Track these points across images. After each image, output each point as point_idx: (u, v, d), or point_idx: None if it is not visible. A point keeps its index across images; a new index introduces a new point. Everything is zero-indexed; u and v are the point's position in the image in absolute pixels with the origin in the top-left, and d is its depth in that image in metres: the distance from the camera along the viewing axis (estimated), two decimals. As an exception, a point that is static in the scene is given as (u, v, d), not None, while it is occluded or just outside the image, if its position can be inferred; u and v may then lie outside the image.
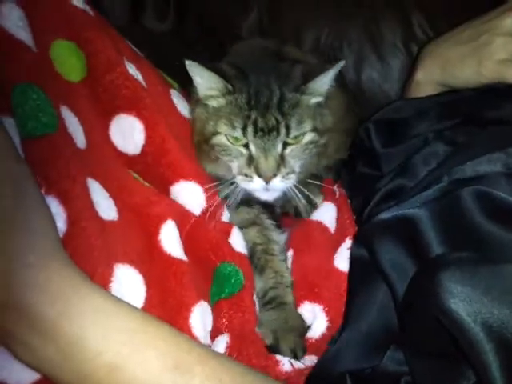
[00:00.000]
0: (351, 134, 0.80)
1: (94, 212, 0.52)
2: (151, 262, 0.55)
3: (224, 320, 0.59)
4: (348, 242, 0.67)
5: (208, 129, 0.70)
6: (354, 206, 0.73)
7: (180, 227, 0.60)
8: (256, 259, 0.68)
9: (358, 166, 0.76)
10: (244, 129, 0.67)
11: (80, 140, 0.57)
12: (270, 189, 0.69)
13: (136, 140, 0.63)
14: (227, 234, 0.67)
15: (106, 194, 0.55)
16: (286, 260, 0.70)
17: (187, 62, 0.67)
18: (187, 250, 0.59)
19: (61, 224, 0.48)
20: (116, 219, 0.54)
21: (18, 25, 0.55)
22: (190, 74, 0.69)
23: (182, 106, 0.74)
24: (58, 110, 0.55)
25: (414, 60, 0.84)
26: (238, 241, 0.68)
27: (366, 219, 0.65)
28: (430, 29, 1.06)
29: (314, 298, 0.64)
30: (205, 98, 0.71)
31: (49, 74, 0.58)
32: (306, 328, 0.64)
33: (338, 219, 0.73)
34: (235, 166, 0.70)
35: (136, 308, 0.48)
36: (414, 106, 0.72)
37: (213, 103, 0.70)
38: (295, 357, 0.61)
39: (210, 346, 0.57)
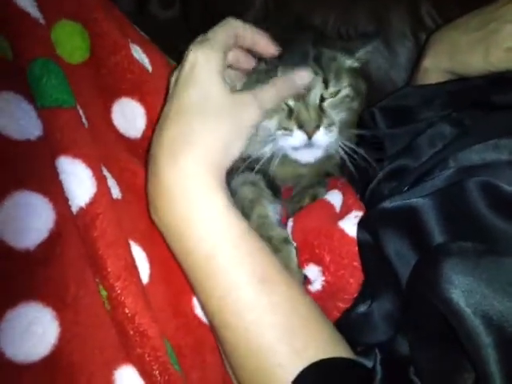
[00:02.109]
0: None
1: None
2: (155, 240, 0.54)
3: None
4: (354, 212, 0.62)
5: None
6: (356, 189, 0.71)
7: None
8: (243, 211, 0.64)
9: (361, 148, 0.71)
10: None
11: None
12: (313, 144, 0.65)
13: (137, 124, 0.62)
14: None
15: (109, 175, 0.54)
16: (280, 223, 0.67)
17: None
18: None
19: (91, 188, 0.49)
20: (120, 197, 0.54)
21: (32, 4, 0.55)
22: None
23: None
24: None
25: (422, 47, 0.82)
26: None
27: (368, 199, 0.63)
28: (439, 17, 1.03)
29: (317, 260, 0.61)
30: None
31: (54, 55, 0.57)
32: None
33: (342, 202, 0.69)
34: (274, 121, 0.66)
35: (250, 228, 0.52)
36: (421, 94, 0.70)
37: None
38: None
39: None
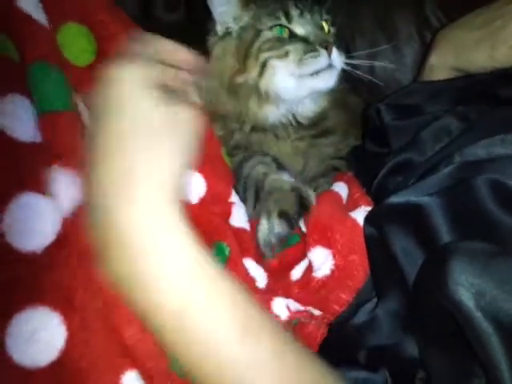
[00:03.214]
0: (355, 121, 0.81)
1: None
2: None
3: None
4: (364, 207, 0.62)
5: (246, 41, 0.71)
6: (362, 183, 0.69)
7: None
8: (259, 184, 0.66)
9: (366, 143, 0.73)
10: (286, 15, 0.69)
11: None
12: (332, 64, 0.69)
13: None
14: (227, 215, 0.65)
15: None
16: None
17: None
18: None
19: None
20: None
21: (34, 5, 0.54)
22: (209, 3, 0.73)
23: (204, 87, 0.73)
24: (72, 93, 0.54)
25: (427, 46, 0.82)
26: (238, 217, 0.65)
27: (374, 193, 0.62)
28: (445, 17, 1.02)
29: (327, 242, 0.59)
30: (232, 22, 0.74)
31: (59, 57, 0.56)
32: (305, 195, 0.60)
33: (348, 196, 0.68)
34: (295, 52, 0.69)
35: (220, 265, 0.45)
36: (427, 89, 0.69)
37: (242, 22, 0.73)
38: (288, 220, 0.57)
39: None
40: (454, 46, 0.73)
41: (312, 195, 0.63)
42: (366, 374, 0.50)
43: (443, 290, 0.38)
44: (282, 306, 0.55)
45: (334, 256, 0.58)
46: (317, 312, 0.57)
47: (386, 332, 0.52)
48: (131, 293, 0.43)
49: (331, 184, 0.72)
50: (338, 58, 0.70)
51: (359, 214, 0.60)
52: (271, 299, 0.55)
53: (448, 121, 0.59)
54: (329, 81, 0.71)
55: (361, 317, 0.54)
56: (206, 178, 0.64)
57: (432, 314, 0.43)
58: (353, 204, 0.64)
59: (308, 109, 0.77)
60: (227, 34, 0.76)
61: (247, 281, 0.60)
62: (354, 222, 0.59)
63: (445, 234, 0.44)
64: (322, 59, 0.68)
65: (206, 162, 0.64)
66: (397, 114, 0.66)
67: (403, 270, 0.48)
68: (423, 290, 0.45)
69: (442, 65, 0.74)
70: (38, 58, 0.52)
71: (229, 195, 0.68)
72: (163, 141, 0.44)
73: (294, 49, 0.70)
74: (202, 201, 0.64)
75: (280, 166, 0.71)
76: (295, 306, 0.56)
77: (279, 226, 0.60)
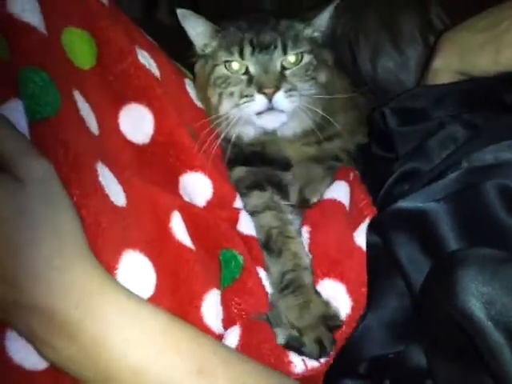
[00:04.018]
0: (363, 119, 0.78)
1: (104, 195, 0.49)
2: (162, 249, 0.53)
3: (233, 308, 0.56)
4: (368, 220, 0.60)
5: (207, 70, 0.72)
6: (367, 186, 0.68)
7: (184, 219, 0.57)
8: (272, 243, 0.64)
9: (373, 147, 0.71)
10: (241, 51, 0.68)
11: (93, 126, 0.55)
12: (274, 107, 0.67)
13: (145, 129, 0.61)
14: (234, 221, 0.64)
15: (115, 180, 0.52)
16: (302, 242, 0.65)
17: (178, 11, 0.72)
18: (193, 240, 0.57)
19: None
20: (125, 205, 0.52)
21: (23, 8, 0.53)
22: (184, 25, 0.73)
23: (195, 96, 0.72)
24: (70, 94, 0.53)
25: (431, 48, 0.80)
26: (246, 224, 0.65)
27: (380, 203, 0.61)
28: (449, 19, 1.01)
29: (336, 275, 0.58)
30: (202, 47, 0.75)
31: (59, 58, 0.55)
32: (332, 314, 0.57)
33: (352, 199, 0.67)
34: (237, 94, 0.69)
35: (160, 310, 0.46)
36: (432, 93, 0.67)
37: (209, 50, 0.74)
38: (322, 350, 0.54)
39: (223, 336, 0.54)
40: (459, 49, 0.71)
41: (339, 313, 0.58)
42: None
43: (452, 300, 0.36)
44: (299, 359, 0.54)
45: (352, 293, 0.57)
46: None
47: (380, 342, 0.51)
48: (81, 372, 0.43)
49: (331, 175, 0.71)
50: (284, 101, 0.67)
51: (364, 236, 0.58)
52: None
53: (454, 128, 0.58)
54: (273, 122, 0.70)
55: (355, 330, 0.53)
56: (212, 179, 0.63)
57: (440, 322, 0.42)
58: (358, 213, 0.63)
59: (288, 131, 0.74)
60: (202, 56, 0.76)
61: (261, 292, 0.59)
62: (360, 251, 0.58)
63: (452, 241, 0.43)
64: (255, 104, 0.67)
65: (210, 163, 0.64)
66: (402, 118, 0.65)
67: (408, 277, 0.47)
68: (430, 299, 0.43)
69: (446, 68, 0.73)
70: (23, 63, 0.50)
71: (234, 199, 0.67)
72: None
73: (236, 90, 0.70)
74: (209, 204, 0.63)
75: (286, 209, 0.70)
76: (312, 363, 0.54)
77: (312, 352, 0.56)
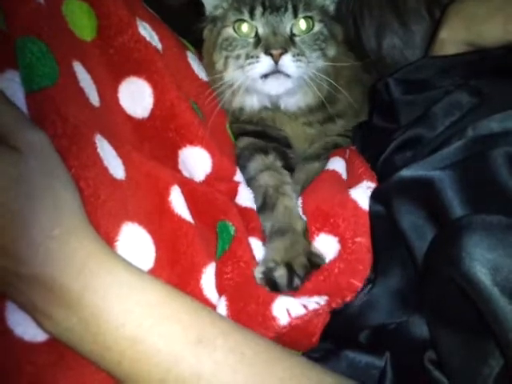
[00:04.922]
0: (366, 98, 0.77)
1: (103, 167, 0.48)
2: (161, 222, 0.52)
3: (225, 277, 0.55)
4: (366, 182, 0.59)
5: (215, 33, 0.71)
6: (367, 158, 0.66)
7: (183, 194, 0.56)
8: (268, 198, 0.64)
9: (374, 118, 0.69)
10: (251, 11, 0.67)
11: (93, 97, 0.54)
12: (280, 70, 0.65)
13: (145, 103, 0.60)
14: (233, 194, 0.64)
15: (114, 153, 0.51)
16: (296, 201, 0.64)
17: None
18: (193, 214, 0.56)
19: None
20: (124, 178, 0.51)
21: None
22: None
23: (198, 68, 0.71)
24: (69, 65, 0.52)
25: (438, 21, 0.78)
26: (245, 196, 0.64)
27: (380, 169, 0.59)
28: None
29: (330, 229, 0.57)
30: (213, 9, 0.74)
31: (60, 28, 0.54)
32: (317, 253, 0.56)
33: (349, 168, 0.66)
34: (243, 56, 0.68)
35: (159, 281, 0.46)
36: (437, 65, 0.65)
37: (219, 11, 0.73)
38: (291, 274, 0.54)
39: None
40: (466, 19, 0.69)
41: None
42: (368, 357, 0.48)
43: (457, 266, 0.35)
44: (283, 310, 0.52)
45: (341, 241, 0.56)
46: (322, 301, 0.54)
47: (386, 310, 0.50)
48: (80, 343, 0.42)
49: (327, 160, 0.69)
50: (291, 65, 0.65)
51: (360, 192, 0.57)
52: (272, 301, 0.53)
53: (460, 95, 0.56)
54: (278, 87, 0.68)
55: (360, 297, 0.52)
56: (211, 153, 0.62)
57: (443, 290, 0.41)
58: (355, 179, 0.61)
59: (291, 104, 0.73)
60: (212, 19, 0.75)
61: (251, 261, 0.58)
62: (355, 204, 0.57)
63: (457, 208, 0.41)
64: (260, 65, 0.65)
65: (210, 137, 0.63)
66: (406, 88, 0.63)
67: (413, 245, 0.46)
68: (434, 266, 0.42)
69: (453, 39, 0.70)
70: (20, 33, 0.49)
71: (234, 173, 0.66)
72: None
73: (242, 53, 0.68)
74: (208, 178, 0.63)
75: (286, 173, 0.69)
76: (296, 311, 0.52)
77: (282, 278, 0.55)
